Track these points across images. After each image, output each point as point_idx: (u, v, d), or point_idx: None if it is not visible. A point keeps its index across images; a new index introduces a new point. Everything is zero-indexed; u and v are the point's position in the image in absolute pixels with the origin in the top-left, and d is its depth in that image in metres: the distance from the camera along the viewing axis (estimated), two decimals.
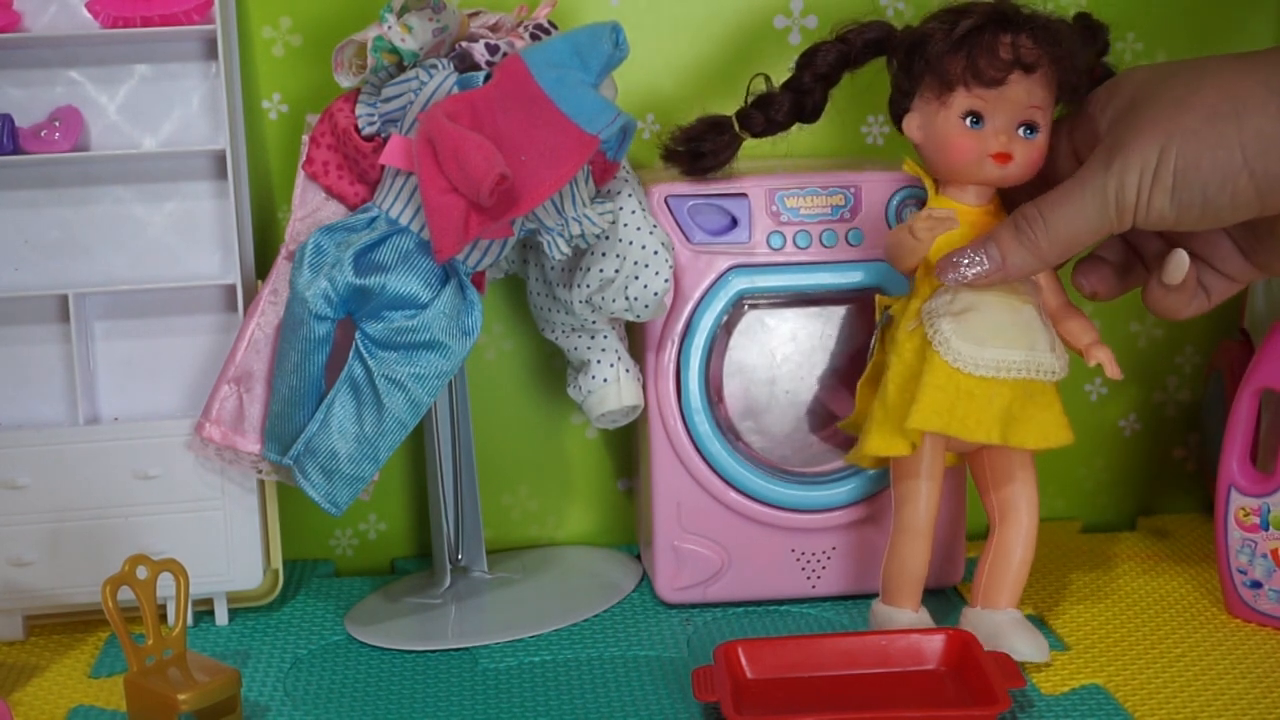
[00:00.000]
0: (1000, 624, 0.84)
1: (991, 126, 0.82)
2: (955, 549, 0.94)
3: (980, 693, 0.76)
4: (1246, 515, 0.89)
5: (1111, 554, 1.02)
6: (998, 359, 0.81)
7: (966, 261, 0.81)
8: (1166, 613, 0.91)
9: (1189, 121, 0.75)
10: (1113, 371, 0.84)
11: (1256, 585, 0.89)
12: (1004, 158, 0.82)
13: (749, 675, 0.80)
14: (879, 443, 0.85)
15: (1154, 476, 1.10)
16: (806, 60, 0.88)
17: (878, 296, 0.91)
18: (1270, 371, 0.89)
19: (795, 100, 0.88)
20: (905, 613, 0.85)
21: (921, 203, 0.88)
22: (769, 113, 0.88)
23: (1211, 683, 0.81)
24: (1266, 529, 0.88)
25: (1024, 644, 0.82)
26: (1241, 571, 0.89)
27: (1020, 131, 0.83)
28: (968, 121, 0.82)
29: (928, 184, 0.86)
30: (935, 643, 0.81)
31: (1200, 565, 0.98)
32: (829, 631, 0.89)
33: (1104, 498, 1.10)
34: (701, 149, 0.89)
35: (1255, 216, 0.76)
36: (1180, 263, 0.80)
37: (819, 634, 0.86)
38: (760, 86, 0.89)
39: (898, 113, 0.86)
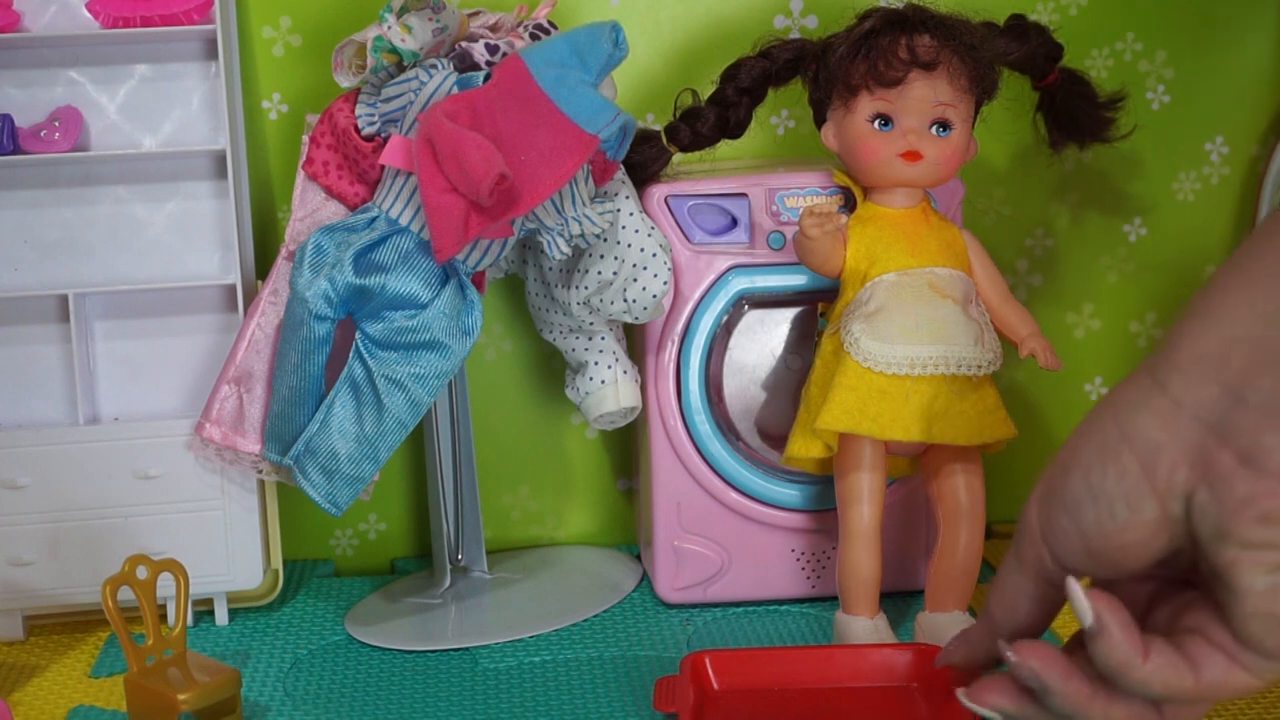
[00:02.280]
0: (946, 627, 0.83)
1: (900, 127, 0.83)
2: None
3: (948, 711, 0.75)
4: None
5: None
6: (909, 356, 0.82)
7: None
8: None
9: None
10: (1047, 362, 0.85)
11: None
12: (913, 156, 0.83)
13: (716, 687, 0.78)
14: (798, 445, 0.86)
15: None
16: (730, 74, 0.90)
17: (820, 302, 0.91)
18: None
19: (720, 114, 0.89)
20: (861, 620, 0.85)
21: (853, 208, 0.88)
22: (695, 126, 0.90)
23: None
24: None
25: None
26: None
27: (933, 130, 0.83)
28: (876, 124, 0.84)
29: (856, 192, 0.87)
30: (907, 657, 0.79)
31: None
32: (825, 637, 0.89)
33: None
34: (631, 160, 0.90)
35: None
36: (1075, 594, 0.56)
37: (791, 646, 0.85)
38: (687, 101, 0.90)
39: (818, 124, 0.87)
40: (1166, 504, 0.54)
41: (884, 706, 0.77)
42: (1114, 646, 0.55)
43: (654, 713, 0.79)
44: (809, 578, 0.94)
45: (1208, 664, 0.55)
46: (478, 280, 0.87)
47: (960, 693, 0.60)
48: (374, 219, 0.85)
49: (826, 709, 0.76)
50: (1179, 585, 0.58)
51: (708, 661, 0.79)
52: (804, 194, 0.91)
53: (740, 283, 0.91)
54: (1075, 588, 0.56)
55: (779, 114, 1.03)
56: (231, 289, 0.94)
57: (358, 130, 0.86)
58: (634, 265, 0.87)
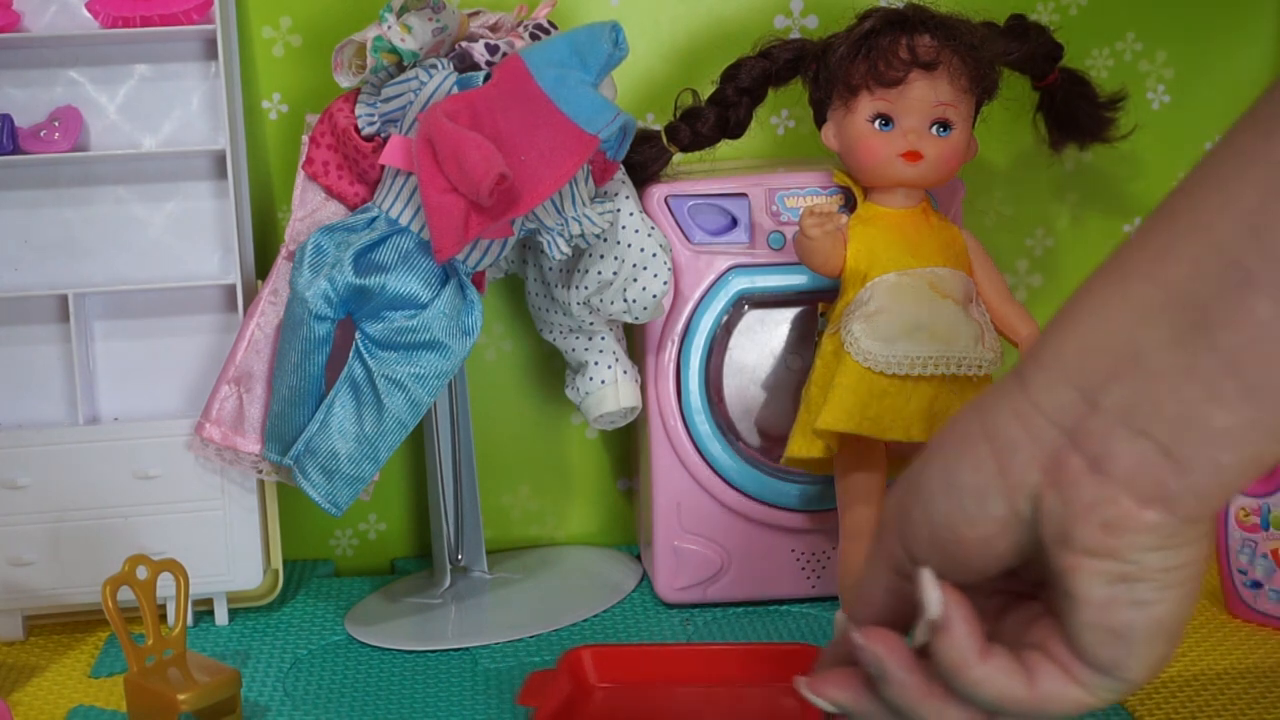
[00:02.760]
0: None
1: (901, 127, 0.83)
2: None
3: (805, 711, 0.75)
4: (1246, 515, 0.89)
5: None
6: (910, 356, 0.82)
7: None
8: None
9: None
10: None
11: (1256, 585, 0.89)
12: (913, 156, 0.83)
13: (593, 682, 0.79)
14: (798, 445, 0.86)
15: None
16: (730, 74, 0.90)
17: (820, 302, 0.91)
18: None
19: (720, 114, 0.89)
20: None
21: (853, 208, 0.88)
22: (695, 126, 0.90)
23: (1211, 682, 0.81)
24: (1266, 529, 0.88)
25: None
26: (1242, 571, 0.89)
27: (933, 130, 0.83)
28: (876, 124, 0.84)
29: (856, 192, 0.87)
30: (787, 657, 0.79)
31: None
32: (825, 637, 0.89)
33: None
34: (631, 160, 0.90)
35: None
36: (927, 583, 0.55)
37: (674, 643, 0.86)
38: (687, 101, 0.90)
39: (818, 124, 0.87)
40: (1016, 503, 0.53)
41: (760, 705, 0.77)
42: (954, 642, 0.54)
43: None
44: (809, 578, 0.94)
45: (1043, 676, 0.53)
46: (478, 280, 0.87)
47: (799, 682, 0.59)
48: (374, 219, 0.85)
49: (703, 706, 0.76)
50: (1027, 600, 0.57)
51: (586, 656, 0.80)
52: (804, 194, 0.91)
53: (740, 283, 0.91)
54: (927, 575, 0.54)
55: (779, 114, 1.03)
56: (231, 289, 0.94)
57: (358, 130, 0.86)
58: (634, 265, 0.86)
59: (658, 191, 0.91)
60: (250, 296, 0.93)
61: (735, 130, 0.90)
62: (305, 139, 0.89)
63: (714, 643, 0.87)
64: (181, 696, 0.75)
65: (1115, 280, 0.52)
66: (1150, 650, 0.52)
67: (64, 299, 0.92)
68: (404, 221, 0.84)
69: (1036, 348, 0.53)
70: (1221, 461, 0.49)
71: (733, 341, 0.93)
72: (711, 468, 0.93)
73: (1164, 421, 0.49)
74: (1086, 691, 0.53)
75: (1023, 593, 0.57)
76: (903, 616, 0.58)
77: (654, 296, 0.87)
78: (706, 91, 0.91)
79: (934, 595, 0.54)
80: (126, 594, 0.77)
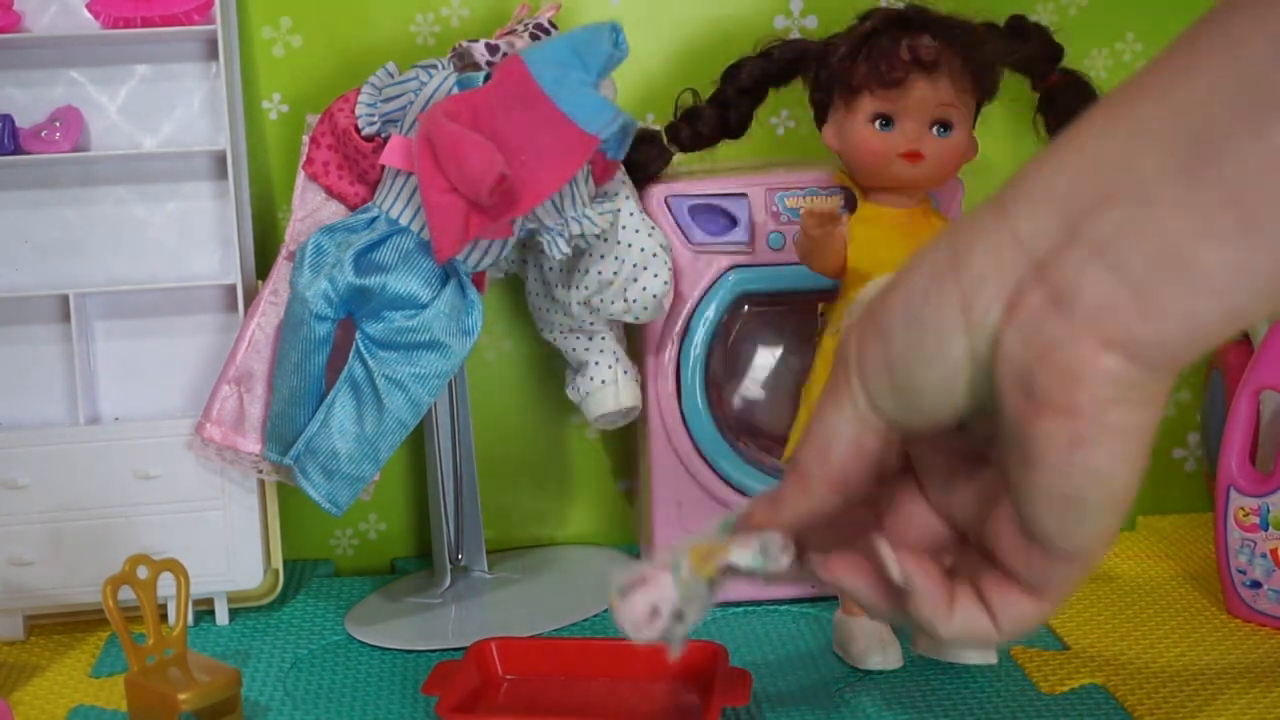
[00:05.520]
0: None
1: (902, 127, 0.83)
2: None
3: (688, 709, 0.76)
4: (1246, 515, 0.89)
5: (1111, 554, 1.02)
6: None
7: None
8: (1166, 612, 0.91)
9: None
10: None
11: (1256, 585, 0.89)
12: (914, 156, 0.83)
13: (500, 673, 0.81)
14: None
15: (1154, 476, 1.10)
16: (730, 74, 0.90)
17: (820, 302, 0.91)
18: (1270, 371, 0.89)
19: (720, 115, 0.89)
20: (861, 621, 0.85)
21: (853, 209, 0.88)
22: (695, 126, 0.90)
23: (1211, 682, 0.81)
24: (1266, 529, 0.88)
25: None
26: (1241, 571, 0.89)
27: (934, 130, 0.83)
28: (877, 124, 0.84)
29: (856, 192, 0.87)
30: (689, 654, 0.77)
31: (1200, 565, 0.98)
32: (825, 637, 0.89)
33: None
34: (631, 160, 0.90)
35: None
36: (885, 553, 0.53)
37: (583, 637, 0.87)
38: (688, 101, 0.91)
39: (819, 125, 0.87)
40: (975, 342, 0.48)
41: (663, 700, 0.78)
42: (922, 605, 0.51)
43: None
44: None
45: (1004, 608, 0.51)
46: (478, 280, 0.87)
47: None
48: (374, 219, 0.85)
49: (606, 699, 0.77)
50: (981, 462, 0.53)
51: (494, 648, 0.81)
52: (804, 194, 0.91)
53: (740, 283, 0.91)
54: (885, 548, 0.51)
55: (779, 114, 1.03)
56: (231, 289, 0.94)
57: (358, 130, 0.86)
58: (634, 265, 0.87)
59: (658, 191, 0.91)
60: (250, 296, 0.93)
61: (735, 130, 0.90)
62: (305, 139, 0.89)
63: (618, 638, 0.87)
64: (182, 696, 0.75)
65: (1123, 102, 0.47)
66: (1100, 521, 0.48)
67: (64, 299, 0.92)
68: (404, 221, 0.84)
69: (1024, 172, 0.48)
70: (1197, 309, 0.45)
71: (733, 341, 0.93)
72: (711, 468, 0.93)
73: (1144, 256, 0.45)
74: (1043, 599, 0.51)
75: (974, 453, 0.52)
76: (865, 473, 0.53)
77: (654, 296, 0.87)
78: (706, 91, 0.91)
79: (894, 569, 0.51)
80: (127, 593, 0.77)
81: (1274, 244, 0.44)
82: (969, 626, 0.51)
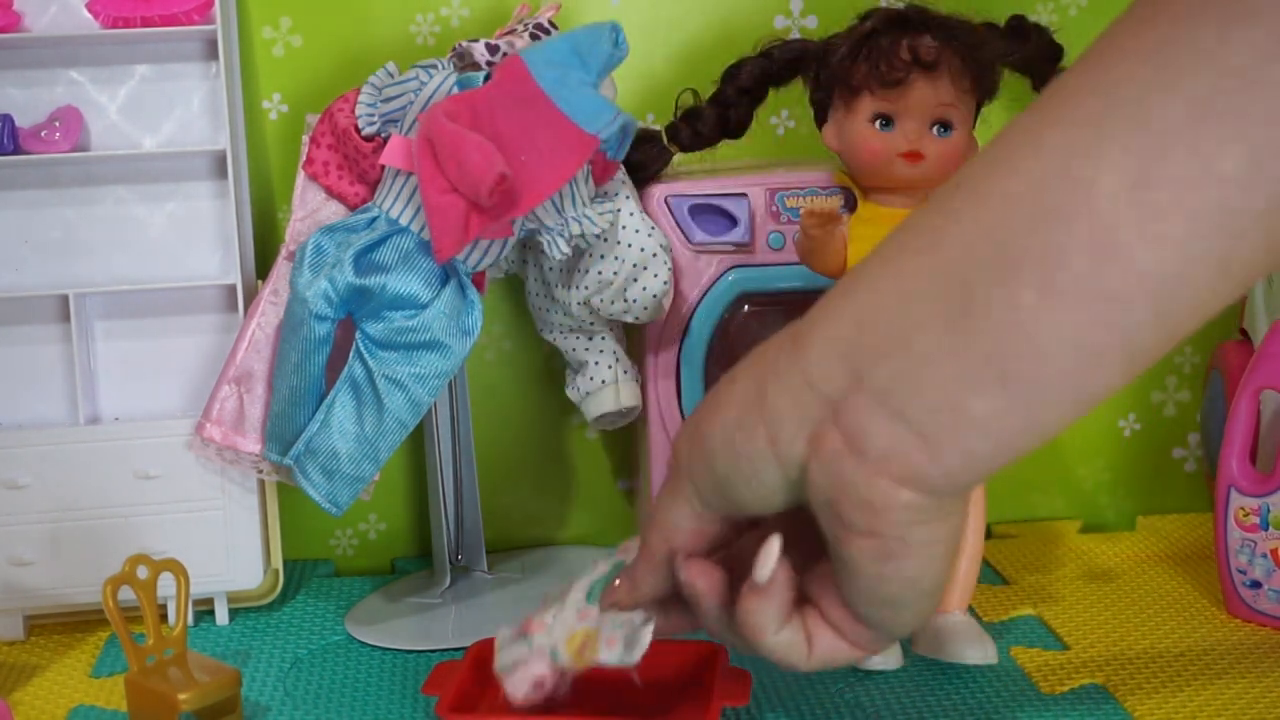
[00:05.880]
0: (945, 627, 0.83)
1: (902, 127, 0.83)
2: None
3: (687, 709, 0.76)
4: (1246, 515, 0.89)
5: (1111, 554, 1.02)
6: None
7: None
8: (1166, 613, 0.91)
9: None
10: None
11: (1256, 585, 0.89)
12: (914, 156, 0.83)
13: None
14: None
15: (1154, 476, 1.11)
16: (730, 74, 0.90)
17: None
18: (1270, 371, 0.89)
19: (720, 114, 0.90)
20: None
21: (853, 209, 0.89)
22: (695, 126, 0.90)
23: (1211, 682, 0.81)
24: (1266, 529, 0.88)
25: (969, 647, 0.82)
26: (1241, 571, 0.89)
27: (934, 130, 0.83)
28: (877, 124, 0.84)
29: (856, 192, 0.87)
30: (686, 653, 0.79)
31: (1200, 565, 0.98)
32: None
33: (1104, 498, 1.10)
34: (631, 160, 0.90)
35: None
36: (770, 552, 0.58)
37: None
38: (688, 101, 0.91)
39: (819, 125, 0.87)
40: (788, 471, 0.54)
41: (661, 700, 0.78)
42: (763, 609, 0.57)
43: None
44: None
45: (820, 642, 0.58)
46: (478, 280, 0.87)
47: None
48: (374, 219, 0.85)
49: (605, 699, 0.77)
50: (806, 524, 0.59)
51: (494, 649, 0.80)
52: (804, 194, 0.91)
53: (740, 283, 0.91)
54: (775, 545, 0.57)
55: (779, 114, 1.03)
56: (231, 289, 0.94)
57: (358, 130, 0.86)
58: (634, 265, 0.87)
59: (658, 191, 0.91)
60: (250, 296, 0.93)
61: (735, 130, 0.90)
62: (305, 139, 0.89)
63: None
64: (182, 696, 0.75)
65: (893, 254, 0.52)
66: (917, 610, 0.56)
67: (64, 299, 0.92)
68: (404, 221, 0.84)
69: (816, 312, 0.54)
70: (974, 449, 0.50)
71: (733, 341, 0.93)
72: None
73: (922, 405, 0.50)
74: (857, 648, 0.58)
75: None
76: (708, 546, 0.61)
77: (654, 296, 0.87)
78: (707, 91, 0.91)
79: (769, 567, 0.57)
80: (127, 593, 0.77)
81: (1030, 395, 0.49)
82: (783, 650, 0.59)
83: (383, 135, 0.86)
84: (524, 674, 0.72)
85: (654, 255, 0.87)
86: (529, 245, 0.94)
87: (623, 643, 0.68)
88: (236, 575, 0.93)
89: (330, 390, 0.85)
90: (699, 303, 0.91)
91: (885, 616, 0.56)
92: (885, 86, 0.83)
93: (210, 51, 0.95)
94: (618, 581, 0.67)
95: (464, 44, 0.86)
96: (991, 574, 0.98)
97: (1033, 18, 0.91)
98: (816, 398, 0.53)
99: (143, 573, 0.78)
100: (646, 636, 0.68)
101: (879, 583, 0.54)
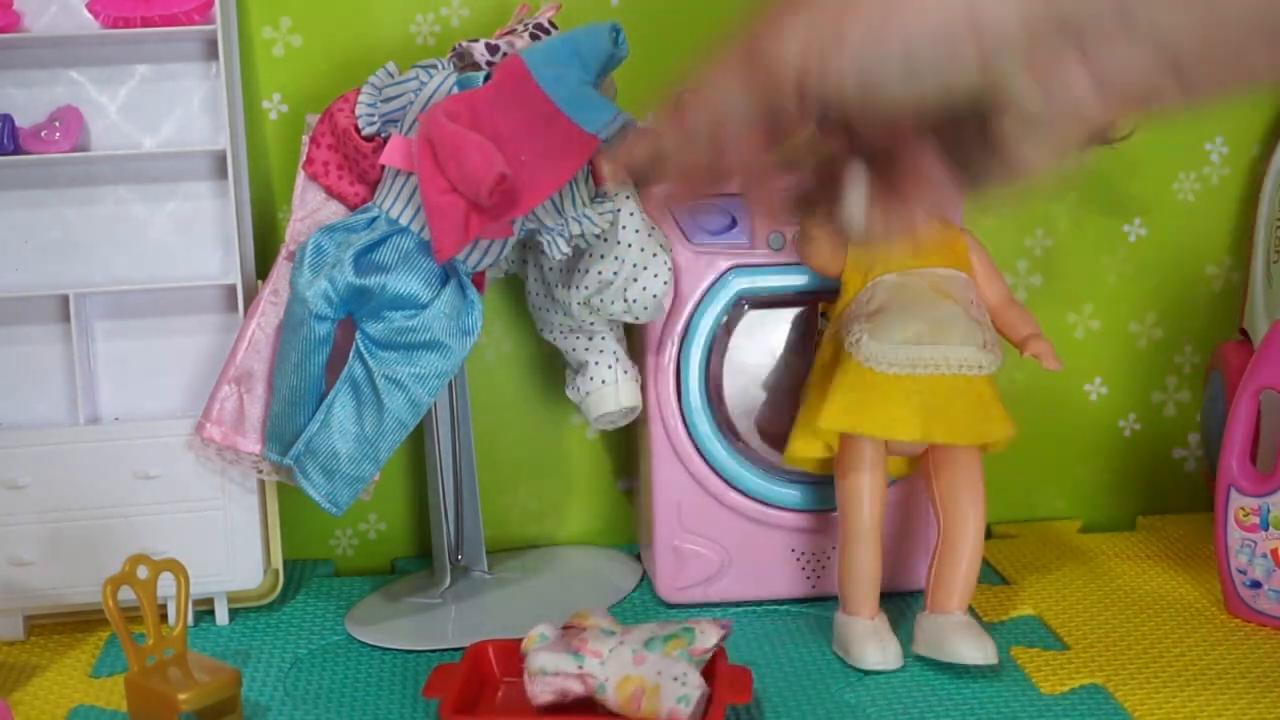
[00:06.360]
0: (946, 628, 0.83)
1: None
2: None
3: (710, 706, 0.75)
4: (1246, 515, 0.89)
5: (1111, 554, 1.02)
6: (910, 356, 0.82)
7: None
8: (1166, 612, 0.91)
9: None
10: (1050, 364, 0.85)
11: (1256, 585, 0.89)
12: None
13: (497, 676, 0.81)
14: (798, 445, 0.86)
15: (1154, 476, 1.11)
16: None
17: (820, 302, 0.91)
18: (1270, 371, 0.89)
19: None
20: (861, 620, 0.85)
21: None
22: None
23: (1211, 682, 0.81)
24: (1266, 529, 0.88)
25: (969, 647, 0.82)
26: (1241, 571, 0.89)
27: None
28: None
29: None
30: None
31: (1200, 565, 0.98)
32: (825, 637, 0.89)
33: (1104, 497, 1.10)
34: None
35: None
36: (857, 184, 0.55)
37: None
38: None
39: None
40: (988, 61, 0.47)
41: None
42: (854, 217, 0.53)
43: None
44: (809, 578, 0.94)
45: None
46: (478, 280, 0.87)
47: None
48: (374, 219, 0.85)
49: (591, 699, 0.77)
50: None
51: (490, 651, 0.81)
52: None
53: (740, 283, 0.91)
54: (856, 193, 0.53)
55: None
56: (231, 289, 0.94)
57: (358, 130, 0.86)
58: (634, 265, 0.87)
59: (658, 192, 0.91)
60: (250, 296, 0.93)
61: None
62: (305, 139, 0.89)
63: None
64: (182, 696, 0.75)
65: None
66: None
67: (64, 299, 0.92)
68: (404, 221, 0.84)
69: None
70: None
71: (733, 341, 0.93)
72: (711, 468, 0.93)
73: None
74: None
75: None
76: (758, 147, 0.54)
77: (654, 296, 0.87)
78: None
79: (859, 214, 0.53)
80: (127, 594, 0.77)
81: None
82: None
83: (383, 135, 0.86)
84: (558, 686, 0.74)
85: (654, 255, 0.87)
86: (529, 245, 0.93)
87: (676, 704, 0.72)
88: (236, 575, 0.93)
89: (330, 390, 0.85)
90: (699, 303, 0.91)
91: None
92: None
93: (210, 51, 0.95)
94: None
95: (464, 44, 0.86)
96: (991, 574, 0.98)
97: None
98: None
99: (143, 573, 0.78)
100: (700, 704, 0.72)
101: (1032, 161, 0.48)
